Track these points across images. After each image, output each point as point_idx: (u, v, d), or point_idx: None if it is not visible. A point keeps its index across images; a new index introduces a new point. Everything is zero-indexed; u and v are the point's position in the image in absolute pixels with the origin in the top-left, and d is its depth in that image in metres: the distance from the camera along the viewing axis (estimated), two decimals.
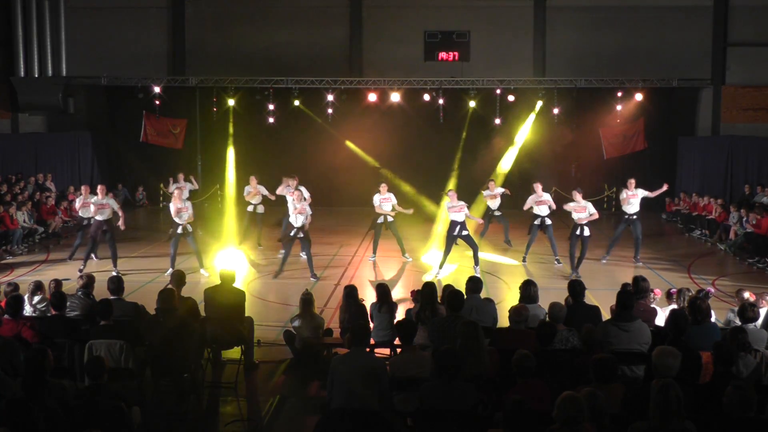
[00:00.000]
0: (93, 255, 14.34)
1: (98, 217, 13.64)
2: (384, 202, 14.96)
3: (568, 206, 13.97)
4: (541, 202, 14.66)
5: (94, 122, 23.83)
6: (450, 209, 13.58)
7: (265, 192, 16.02)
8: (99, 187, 13.90)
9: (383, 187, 15.16)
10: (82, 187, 15.27)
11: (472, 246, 13.81)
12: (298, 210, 13.42)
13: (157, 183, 23.66)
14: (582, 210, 13.70)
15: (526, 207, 14.86)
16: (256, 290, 12.67)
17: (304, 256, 13.99)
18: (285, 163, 23.06)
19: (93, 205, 13.71)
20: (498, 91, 21.73)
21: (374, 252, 15.20)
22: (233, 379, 8.17)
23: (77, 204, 15.04)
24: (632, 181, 14.97)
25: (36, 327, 7.23)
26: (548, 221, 14.71)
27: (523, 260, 14.97)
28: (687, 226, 19.54)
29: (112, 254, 13.67)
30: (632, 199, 14.71)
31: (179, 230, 13.36)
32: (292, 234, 13.41)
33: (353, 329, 6.28)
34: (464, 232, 13.60)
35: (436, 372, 5.68)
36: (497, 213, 16.48)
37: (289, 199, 14.45)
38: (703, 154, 22.10)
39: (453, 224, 13.59)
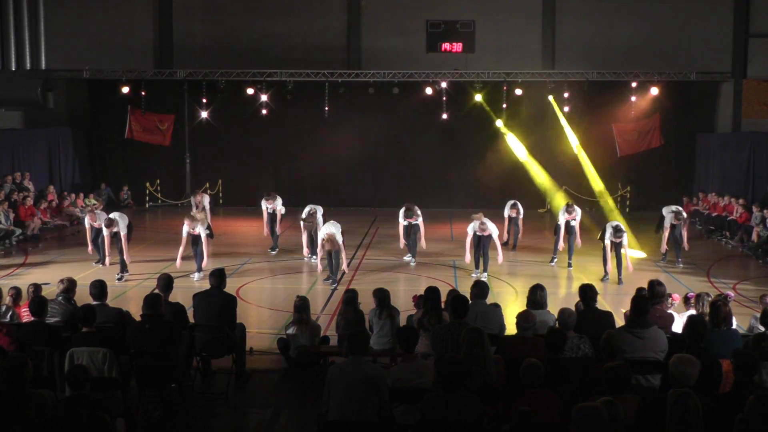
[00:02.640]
0: (102, 261, 14.65)
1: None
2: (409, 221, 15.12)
3: (606, 240, 13.78)
4: (571, 218, 14.85)
5: (76, 118, 23.83)
6: (477, 231, 13.87)
7: (281, 210, 16.14)
8: (105, 224, 13.91)
9: (416, 209, 15.12)
10: (88, 216, 14.99)
11: (484, 254, 14.04)
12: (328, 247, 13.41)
13: (143, 182, 23.71)
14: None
15: (561, 226, 14.99)
16: (249, 295, 12.68)
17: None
18: (278, 160, 23.18)
19: (104, 229, 13.93)
20: (505, 85, 21.73)
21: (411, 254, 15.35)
22: (224, 389, 8.18)
23: (86, 223, 14.91)
24: (684, 215, 15.26)
25: (13, 333, 7.23)
26: (573, 223, 14.88)
27: (552, 261, 15.32)
28: (706, 227, 19.55)
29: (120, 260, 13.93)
30: (678, 224, 14.98)
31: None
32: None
33: (351, 337, 6.29)
34: (486, 233, 13.80)
35: (438, 382, 5.68)
36: (514, 215, 16.56)
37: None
38: (723, 152, 22.09)
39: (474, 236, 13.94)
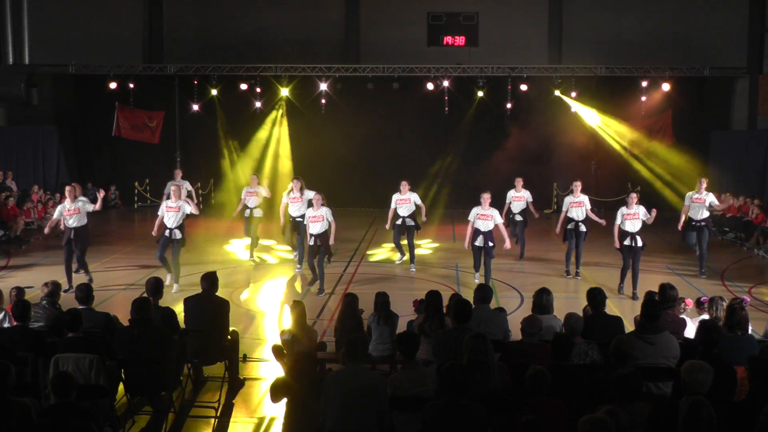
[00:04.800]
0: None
1: (69, 224, 13.22)
2: (401, 204, 14.84)
3: (618, 218, 13.07)
4: (577, 204, 14.26)
5: (61, 115, 23.86)
6: (478, 216, 13.29)
7: (266, 193, 16.01)
8: (67, 189, 13.42)
9: (404, 185, 14.95)
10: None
11: (486, 265, 13.45)
12: (316, 218, 13.16)
13: (131, 181, 23.72)
14: (634, 216, 12.93)
15: (563, 210, 14.44)
16: (242, 300, 12.68)
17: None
18: (273, 158, 23.20)
19: (61, 211, 13.23)
20: (509, 80, 21.75)
21: (402, 253, 15.25)
22: (216, 398, 8.18)
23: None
24: (704, 181, 14.43)
25: None
26: (583, 228, 14.22)
27: (567, 273, 14.52)
28: (720, 228, 19.56)
29: (80, 263, 13.33)
30: (698, 204, 14.25)
31: (165, 233, 13.15)
32: (311, 243, 13.22)
33: (348, 343, 6.27)
34: (490, 244, 13.26)
35: (440, 390, 5.68)
36: (519, 218, 16.01)
37: (291, 203, 14.66)
38: (738, 150, 22.14)
39: (476, 233, 13.30)
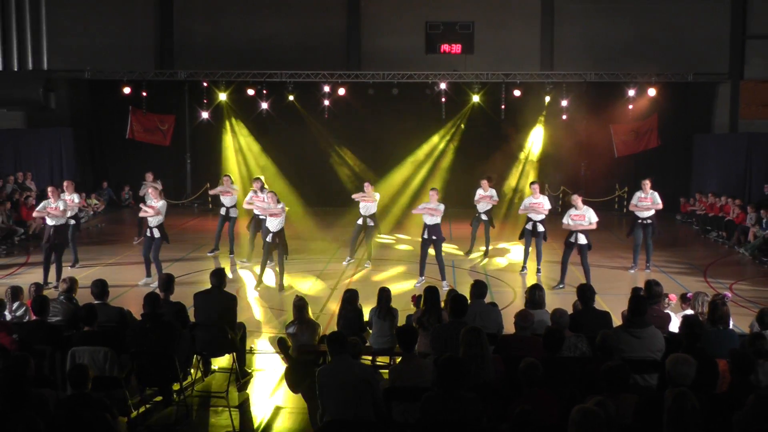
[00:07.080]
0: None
1: (49, 222, 13.12)
2: (365, 201, 14.88)
3: (566, 218, 13.11)
4: (535, 205, 13.96)
5: (77, 118, 23.82)
6: (423, 209, 13.23)
7: (236, 191, 15.85)
8: (65, 183, 13.34)
9: (366, 186, 15.05)
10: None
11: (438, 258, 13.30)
12: (274, 212, 12.97)
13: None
14: (581, 218, 12.95)
15: (521, 210, 14.26)
16: (249, 295, 12.67)
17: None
18: (278, 161, 23.15)
19: (44, 207, 13.08)
20: (503, 86, 21.70)
21: (351, 256, 15.15)
22: (224, 388, 8.19)
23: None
24: (647, 182, 14.64)
25: (14, 333, 7.23)
26: (541, 227, 13.96)
27: (522, 269, 14.40)
28: (703, 227, 19.56)
29: (57, 264, 13.06)
30: (644, 203, 14.54)
31: (147, 233, 13.20)
32: (268, 240, 13.07)
33: (328, 338, 6.24)
34: (434, 237, 13.06)
35: (438, 381, 5.68)
36: (484, 217, 15.71)
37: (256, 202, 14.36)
38: (720, 153, 22.10)
39: (423, 228, 13.24)
